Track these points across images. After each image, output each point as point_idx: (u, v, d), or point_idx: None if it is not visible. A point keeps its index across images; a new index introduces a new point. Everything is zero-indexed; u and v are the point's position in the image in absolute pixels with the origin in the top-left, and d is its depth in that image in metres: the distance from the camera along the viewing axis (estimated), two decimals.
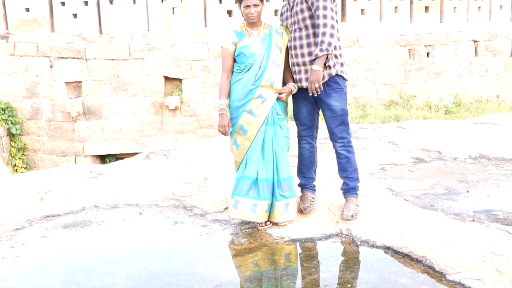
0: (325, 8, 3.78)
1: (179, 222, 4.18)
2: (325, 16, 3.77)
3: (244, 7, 3.87)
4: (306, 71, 3.97)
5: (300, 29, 3.95)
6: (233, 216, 4.01)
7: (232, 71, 3.99)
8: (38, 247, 3.81)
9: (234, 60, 3.98)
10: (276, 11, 12.78)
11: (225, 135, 3.93)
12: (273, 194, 3.97)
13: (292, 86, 4.04)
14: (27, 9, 12.34)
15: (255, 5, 3.87)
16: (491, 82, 14.73)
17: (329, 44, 3.75)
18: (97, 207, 4.51)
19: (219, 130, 3.93)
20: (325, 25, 3.76)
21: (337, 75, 3.95)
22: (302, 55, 3.96)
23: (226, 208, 4.31)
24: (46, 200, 4.60)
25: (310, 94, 3.85)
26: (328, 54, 3.78)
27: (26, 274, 3.42)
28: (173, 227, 4.11)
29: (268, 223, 4.01)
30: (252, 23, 3.95)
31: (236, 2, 3.98)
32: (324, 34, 3.75)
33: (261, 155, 3.94)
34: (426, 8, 14.03)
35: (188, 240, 3.89)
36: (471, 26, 14.48)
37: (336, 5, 3.94)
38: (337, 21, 3.84)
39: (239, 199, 3.94)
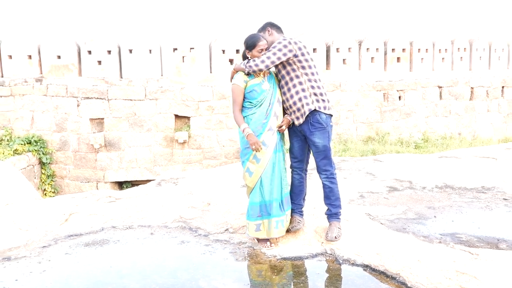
0: (273, 48, 3.88)
1: (185, 242, 4.14)
2: (269, 51, 3.88)
3: (258, 51, 3.89)
4: (298, 110, 3.97)
5: (280, 80, 4.03)
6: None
7: (242, 105, 3.96)
8: (62, 262, 3.76)
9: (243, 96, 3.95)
10: None
11: (258, 151, 3.81)
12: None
13: (288, 117, 4.03)
14: (59, 57, 12.45)
15: (267, 48, 3.95)
16: (453, 122, 14.81)
17: (251, 66, 3.85)
18: (114, 228, 4.47)
19: (252, 148, 3.80)
20: (264, 55, 3.88)
21: (318, 112, 3.93)
22: (291, 98, 3.97)
23: (227, 230, 4.27)
24: (70, 221, 4.56)
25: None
26: (256, 71, 3.86)
27: (52, 287, 3.37)
28: (180, 246, 4.07)
29: (273, 245, 3.96)
30: None
31: (246, 48, 4.00)
32: (259, 58, 3.86)
33: (273, 177, 3.92)
34: (398, 58, 14.20)
35: (193, 258, 3.84)
36: (436, 74, 14.63)
37: (308, 58, 3.98)
38: (278, 58, 3.87)
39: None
